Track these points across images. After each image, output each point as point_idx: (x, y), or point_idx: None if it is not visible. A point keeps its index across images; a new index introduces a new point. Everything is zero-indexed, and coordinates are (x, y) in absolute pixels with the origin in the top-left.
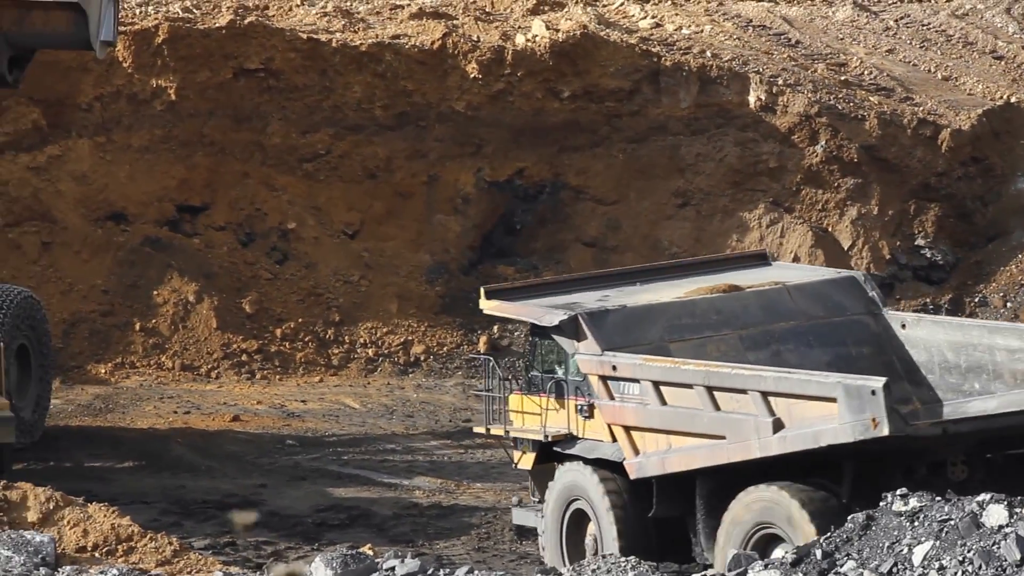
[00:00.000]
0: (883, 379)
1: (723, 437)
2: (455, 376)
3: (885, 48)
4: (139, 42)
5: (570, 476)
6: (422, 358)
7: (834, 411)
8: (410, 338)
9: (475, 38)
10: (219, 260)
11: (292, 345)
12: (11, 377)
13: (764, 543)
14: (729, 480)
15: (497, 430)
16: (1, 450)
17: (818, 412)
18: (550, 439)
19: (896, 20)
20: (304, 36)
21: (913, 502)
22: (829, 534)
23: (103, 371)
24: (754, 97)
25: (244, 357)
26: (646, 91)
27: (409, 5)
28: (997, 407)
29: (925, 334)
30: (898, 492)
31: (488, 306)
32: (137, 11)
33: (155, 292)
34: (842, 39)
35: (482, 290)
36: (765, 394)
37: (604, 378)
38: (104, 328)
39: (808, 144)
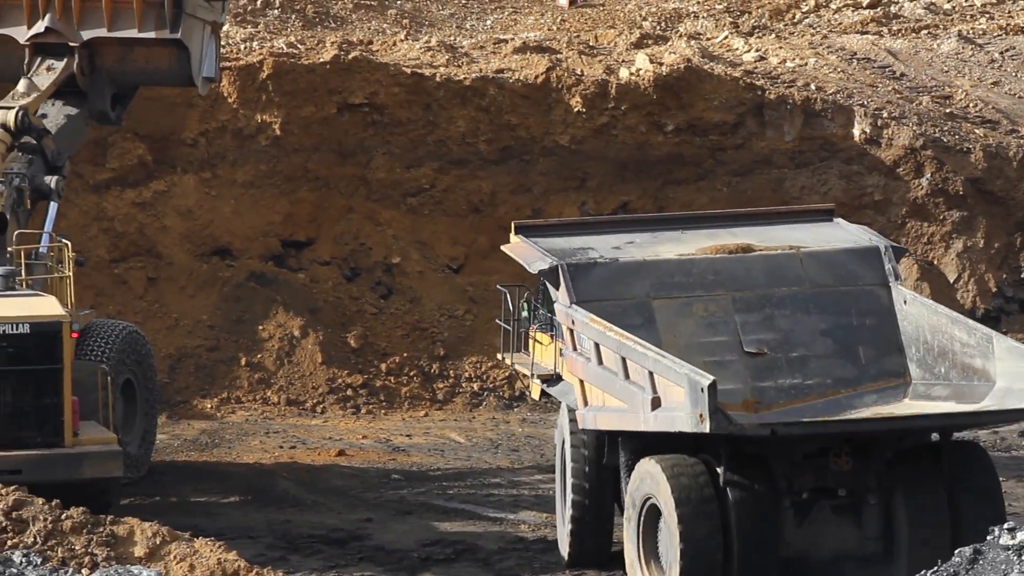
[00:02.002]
0: (711, 378)
1: (626, 405)
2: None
3: (990, 80)
4: (244, 77)
5: (560, 414)
6: (527, 393)
7: (683, 399)
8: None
9: (579, 72)
10: (324, 295)
11: (397, 379)
12: (117, 411)
13: (654, 515)
14: (641, 445)
15: (509, 360)
16: (108, 484)
17: (678, 397)
18: (536, 376)
19: (1001, 52)
20: (408, 71)
21: (1020, 536)
22: (937, 567)
23: (209, 406)
24: (859, 130)
25: (349, 392)
26: (750, 124)
27: (513, 39)
28: (831, 415)
29: (916, 313)
30: (1005, 526)
31: (511, 241)
32: (242, 47)
33: (260, 327)
34: (947, 71)
35: (512, 225)
36: (651, 371)
37: (570, 329)
38: (210, 363)
39: (913, 177)
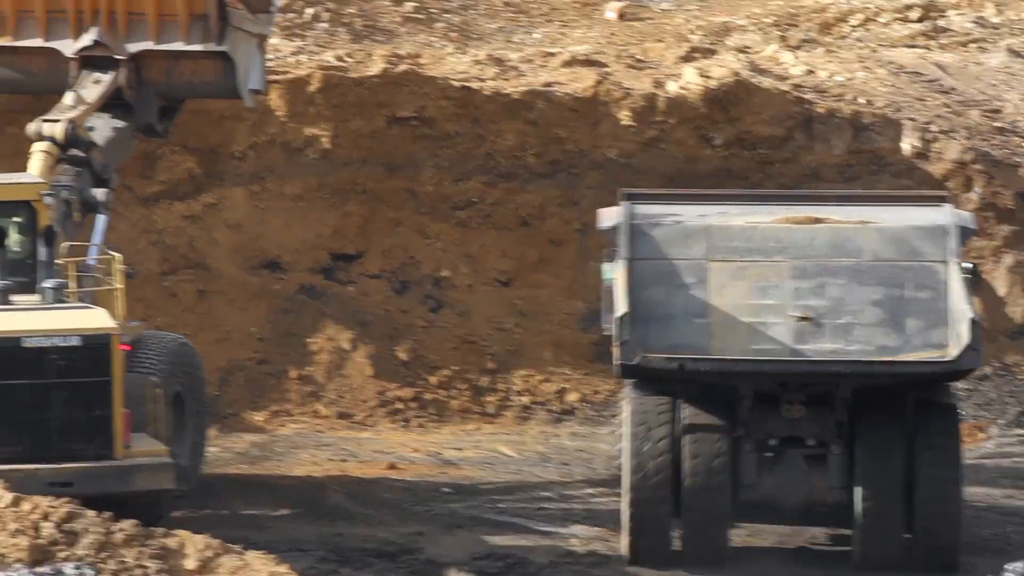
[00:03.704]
0: (624, 310)
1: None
2: (610, 423)
3: None
4: (293, 91)
5: None
6: (577, 406)
7: None
8: (565, 386)
9: (627, 85)
10: (373, 308)
11: (447, 393)
12: (167, 424)
13: None
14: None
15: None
16: (159, 497)
17: None
18: (605, 332)
19: None
20: (456, 84)
21: None
22: None
23: (259, 419)
24: (908, 144)
25: (399, 405)
26: (799, 138)
27: (561, 53)
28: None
29: (957, 288)
30: None
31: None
32: (291, 60)
33: (310, 340)
34: (995, 85)
35: (619, 191)
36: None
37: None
38: (260, 376)
39: (963, 191)
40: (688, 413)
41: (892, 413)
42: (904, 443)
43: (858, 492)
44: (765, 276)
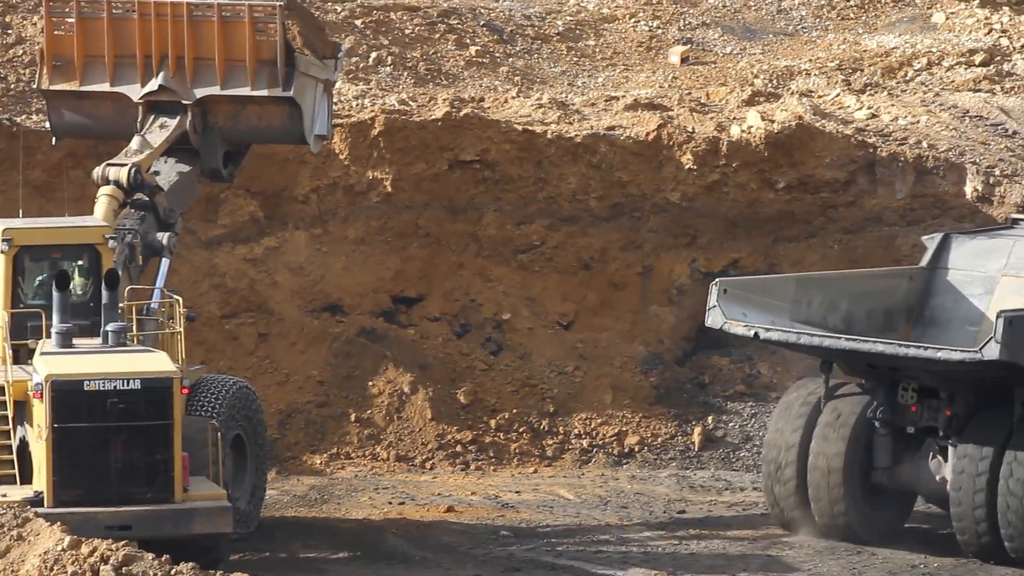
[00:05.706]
0: (721, 280)
1: None
2: (669, 467)
3: None
4: (355, 134)
5: None
6: (636, 449)
7: None
8: (624, 429)
9: (690, 129)
10: (434, 351)
11: (506, 436)
12: (227, 467)
13: None
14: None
15: None
16: (218, 540)
17: None
18: None
19: None
20: (519, 128)
21: None
22: None
23: (318, 462)
24: (971, 188)
25: (458, 448)
26: (861, 182)
27: (624, 96)
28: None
29: None
30: None
31: None
32: (354, 103)
33: (370, 383)
34: None
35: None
36: None
37: None
38: (319, 419)
39: None
40: (831, 399)
41: (997, 408)
42: (1005, 438)
43: (953, 482)
44: None
